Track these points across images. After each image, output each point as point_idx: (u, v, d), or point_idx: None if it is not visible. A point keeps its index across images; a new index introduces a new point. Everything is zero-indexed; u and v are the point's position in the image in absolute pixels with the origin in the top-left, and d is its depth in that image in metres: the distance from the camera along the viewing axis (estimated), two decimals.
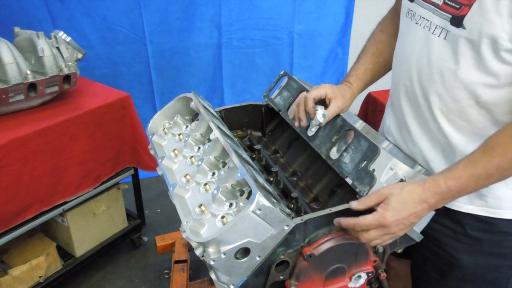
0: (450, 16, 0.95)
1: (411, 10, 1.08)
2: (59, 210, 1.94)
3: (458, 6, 0.93)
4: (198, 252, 0.89)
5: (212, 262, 0.86)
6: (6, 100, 1.77)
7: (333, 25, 3.42)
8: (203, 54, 3.09)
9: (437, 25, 1.00)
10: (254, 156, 1.37)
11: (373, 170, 1.00)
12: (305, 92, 1.28)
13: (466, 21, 0.92)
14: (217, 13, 2.98)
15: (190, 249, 2.15)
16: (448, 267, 1.17)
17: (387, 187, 0.95)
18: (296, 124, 1.21)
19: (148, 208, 2.77)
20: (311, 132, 1.20)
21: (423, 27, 1.04)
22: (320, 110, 1.14)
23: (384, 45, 1.28)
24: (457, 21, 0.94)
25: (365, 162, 1.02)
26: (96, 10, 2.66)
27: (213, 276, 0.91)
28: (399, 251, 1.12)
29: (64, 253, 2.18)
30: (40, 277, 1.98)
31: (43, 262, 1.97)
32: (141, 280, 2.33)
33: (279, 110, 1.39)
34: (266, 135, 1.50)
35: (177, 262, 2.08)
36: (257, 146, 1.38)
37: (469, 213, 1.10)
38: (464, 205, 1.10)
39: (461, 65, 0.96)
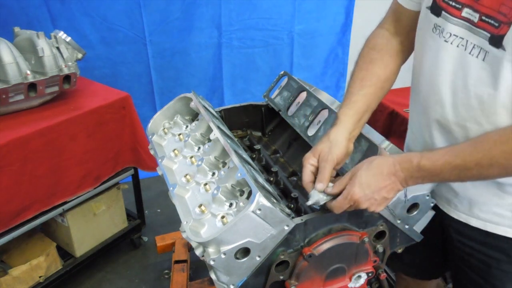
0: (489, 35, 0.85)
1: (439, 26, 0.95)
2: (59, 210, 1.94)
3: (497, 24, 0.83)
4: (198, 252, 0.89)
5: (212, 262, 0.86)
6: (6, 100, 1.77)
7: (333, 25, 3.42)
8: (203, 54, 3.09)
9: (474, 45, 0.88)
10: (254, 156, 1.37)
11: None
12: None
13: (506, 42, 0.81)
14: (217, 13, 2.97)
15: (190, 249, 2.15)
16: None
17: (358, 164, 0.92)
18: None
19: (148, 208, 2.76)
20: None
21: (457, 46, 0.92)
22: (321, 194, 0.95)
23: (375, 64, 1.10)
24: (496, 41, 0.83)
25: None
26: (96, 10, 2.66)
27: (213, 276, 0.90)
28: (399, 251, 1.12)
29: (64, 253, 2.18)
30: (40, 277, 1.98)
31: (43, 262, 1.97)
32: (141, 280, 2.33)
33: (279, 110, 1.39)
34: (266, 135, 1.50)
35: (177, 262, 2.08)
36: (257, 146, 1.38)
37: None
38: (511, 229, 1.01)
39: (501, 90, 0.86)
